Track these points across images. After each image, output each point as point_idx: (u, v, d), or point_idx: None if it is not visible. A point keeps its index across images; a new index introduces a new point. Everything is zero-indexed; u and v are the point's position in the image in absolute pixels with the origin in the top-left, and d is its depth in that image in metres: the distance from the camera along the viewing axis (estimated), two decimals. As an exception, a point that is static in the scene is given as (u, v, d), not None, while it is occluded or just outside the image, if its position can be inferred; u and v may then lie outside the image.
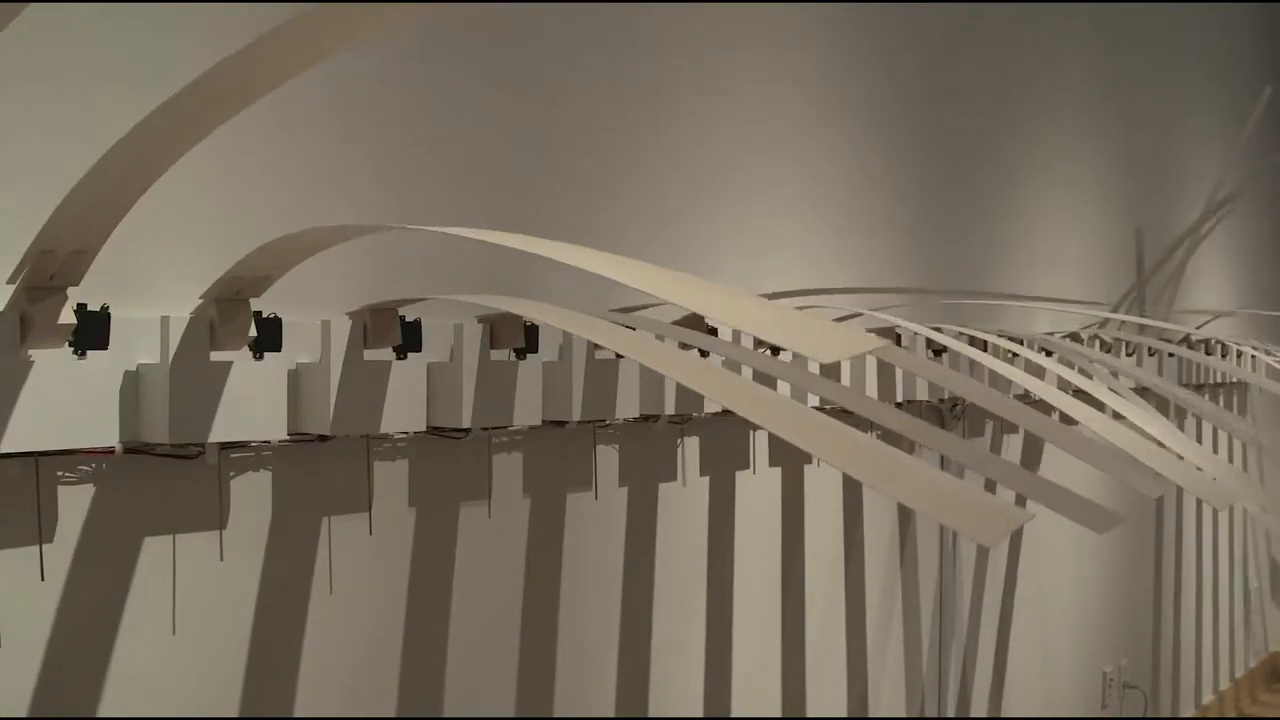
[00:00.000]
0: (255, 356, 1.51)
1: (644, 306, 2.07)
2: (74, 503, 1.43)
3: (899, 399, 2.74)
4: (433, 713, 1.86)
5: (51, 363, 1.31)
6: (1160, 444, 1.87)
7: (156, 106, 1.03)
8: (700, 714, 2.39)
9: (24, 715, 1.40)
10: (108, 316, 1.38)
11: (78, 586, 1.43)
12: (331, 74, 1.74)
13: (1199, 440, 4.44)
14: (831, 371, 2.49)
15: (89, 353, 1.36)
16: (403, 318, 1.67)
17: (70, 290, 1.29)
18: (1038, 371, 2.83)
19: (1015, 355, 2.80)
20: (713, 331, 2.08)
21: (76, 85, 1.43)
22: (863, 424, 2.81)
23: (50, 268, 1.24)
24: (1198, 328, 4.69)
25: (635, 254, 2.25)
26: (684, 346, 1.85)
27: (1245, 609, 5.46)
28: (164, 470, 1.50)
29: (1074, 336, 3.58)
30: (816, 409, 2.48)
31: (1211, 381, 4.77)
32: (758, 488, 2.54)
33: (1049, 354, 2.91)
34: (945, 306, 3.21)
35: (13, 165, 1.38)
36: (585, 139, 2.17)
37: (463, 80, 1.94)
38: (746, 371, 2.27)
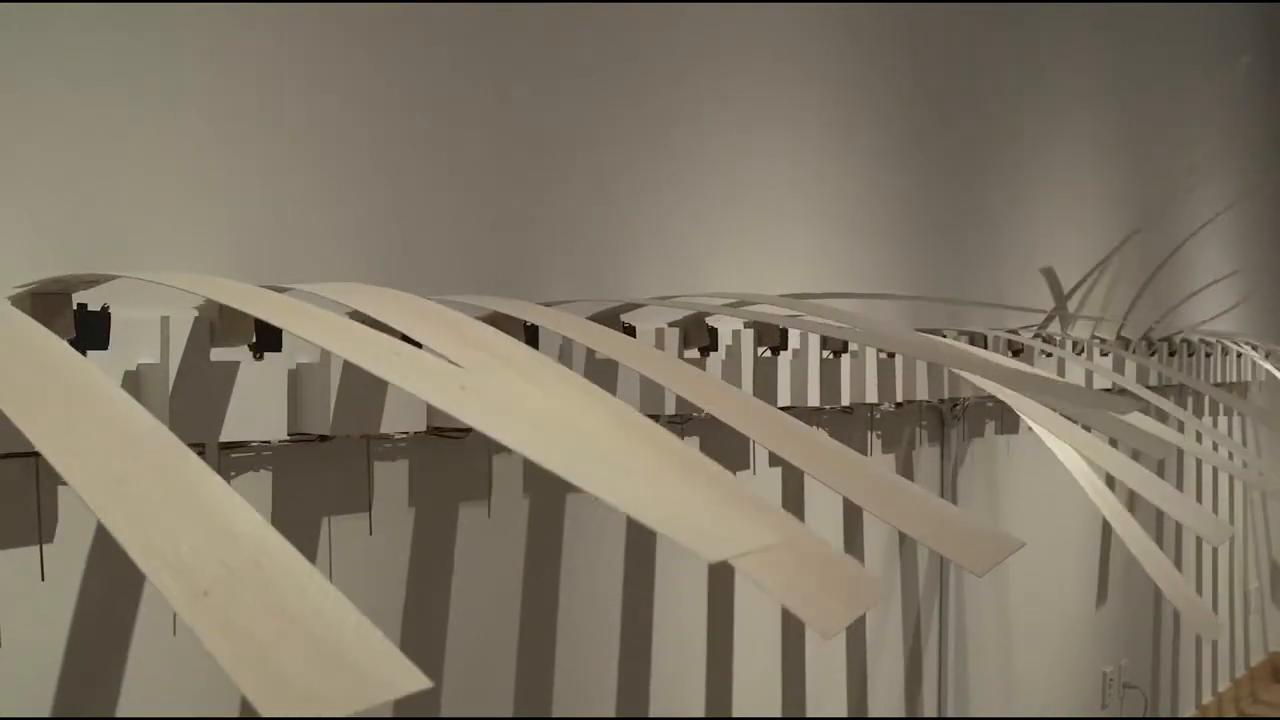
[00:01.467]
0: (255, 356, 1.51)
1: (643, 304, 2.07)
2: (74, 502, 1.43)
3: (899, 399, 2.74)
4: (431, 713, 1.86)
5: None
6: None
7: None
8: (701, 714, 2.39)
9: (24, 715, 1.40)
10: (108, 316, 1.38)
11: (78, 587, 1.44)
12: (330, 72, 1.74)
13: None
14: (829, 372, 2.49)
15: (89, 352, 1.36)
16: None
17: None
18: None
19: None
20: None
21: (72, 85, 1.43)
22: (861, 424, 2.80)
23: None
24: (1198, 327, 4.69)
25: (632, 255, 2.26)
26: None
27: (1245, 609, 5.46)
28: (164, 470, 1.49)
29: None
30: (815, 409, 2.49)
31: (1211, 382, 4.77)
32: (758, 488, 2.54)
33: (1016, 353, 2.91)
34: (948, 308, 3.21)
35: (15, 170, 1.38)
36: (583, 139, 2.17)
37: (461, 79, 1.94)
38: (746, 384, 2.27)
